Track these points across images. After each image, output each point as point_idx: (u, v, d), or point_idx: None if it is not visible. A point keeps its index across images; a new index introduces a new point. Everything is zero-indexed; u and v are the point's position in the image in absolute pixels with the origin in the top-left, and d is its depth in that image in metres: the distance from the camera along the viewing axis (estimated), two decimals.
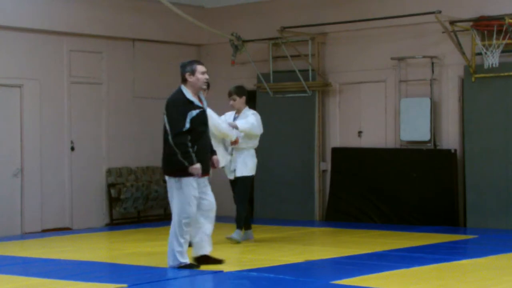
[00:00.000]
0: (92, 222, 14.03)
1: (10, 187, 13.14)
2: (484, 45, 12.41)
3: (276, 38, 14.37)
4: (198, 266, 8.96)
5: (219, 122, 10.86)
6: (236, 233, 11.34)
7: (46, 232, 13.24)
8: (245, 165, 11.30)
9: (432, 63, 13.27)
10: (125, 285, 8.00)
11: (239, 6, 15.29)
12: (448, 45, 12.86)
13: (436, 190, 13.11)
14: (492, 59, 12.29)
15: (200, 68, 8.94)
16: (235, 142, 11.16)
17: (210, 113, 10.28)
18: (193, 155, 8.74)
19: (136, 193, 14.33)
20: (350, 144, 14.20)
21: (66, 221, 13.74)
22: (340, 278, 8.21)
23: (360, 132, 14.14)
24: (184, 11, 13.69)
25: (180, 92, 8.93)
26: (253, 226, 11.87)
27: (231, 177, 11.36)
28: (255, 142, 11.44)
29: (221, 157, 10.88)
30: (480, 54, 12.58)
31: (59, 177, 13.69)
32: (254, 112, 11.52)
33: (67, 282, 8.31)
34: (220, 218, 14.46)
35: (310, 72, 14.34)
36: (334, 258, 9.64)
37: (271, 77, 14.70)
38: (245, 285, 8.23)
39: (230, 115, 11.55)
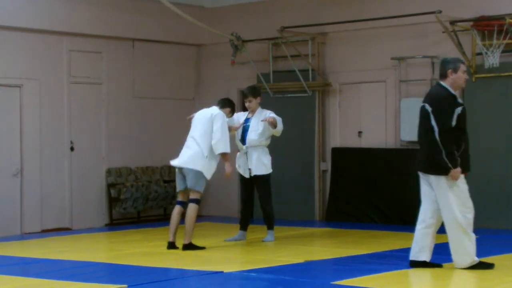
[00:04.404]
0: (92, 222, 14.01)
1: (10, 187, 13.12)
2: (484, 45, 12.40)
3: (276, 38, 14.35)
4: (492, 266, 8.72)
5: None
6: (270, 234, 11.26)
7: (46, 232, 13.22)
8: (260, 163, 11.18)
9: (432, 63, 13.26)
10: (125, 285, 8.00)
11: (239, 6, 15.27)
12: (449, 45, 12.84)
13: None
14: (493, 59, 12.27)
15: (463, 67, 8.78)
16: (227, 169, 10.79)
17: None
18: (458, 158, 8.60)
19: (136, 193, 14.32)
20: (350, 144, 14.18)
21: (66, 221, 13.73)
22: (340, 278, 8.20)
23: (360, 132, 14.13)
24: (184, 11, 13.68)
25: (443, 87, 8.72)
26: (253, 226, 11.84)
27: (247, 175, 11.25)
28: (269, 140, 11.41)
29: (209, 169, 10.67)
30: (480, 54, 12.57)
31: (59, 177, 13.68)
32: (272, 111, 11.40)
33: (67, 283, 8.29)
34: (224, 219, 14.52)
35: (310, 72, 14.33)
36: (334, 258, 9.63)
37: (271, 77, 14.69)
38: (245, 285, 8.21)
39: (242, 115, 11.48)
